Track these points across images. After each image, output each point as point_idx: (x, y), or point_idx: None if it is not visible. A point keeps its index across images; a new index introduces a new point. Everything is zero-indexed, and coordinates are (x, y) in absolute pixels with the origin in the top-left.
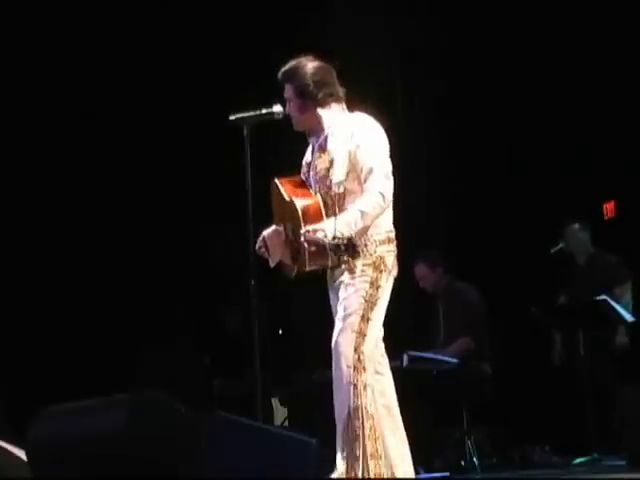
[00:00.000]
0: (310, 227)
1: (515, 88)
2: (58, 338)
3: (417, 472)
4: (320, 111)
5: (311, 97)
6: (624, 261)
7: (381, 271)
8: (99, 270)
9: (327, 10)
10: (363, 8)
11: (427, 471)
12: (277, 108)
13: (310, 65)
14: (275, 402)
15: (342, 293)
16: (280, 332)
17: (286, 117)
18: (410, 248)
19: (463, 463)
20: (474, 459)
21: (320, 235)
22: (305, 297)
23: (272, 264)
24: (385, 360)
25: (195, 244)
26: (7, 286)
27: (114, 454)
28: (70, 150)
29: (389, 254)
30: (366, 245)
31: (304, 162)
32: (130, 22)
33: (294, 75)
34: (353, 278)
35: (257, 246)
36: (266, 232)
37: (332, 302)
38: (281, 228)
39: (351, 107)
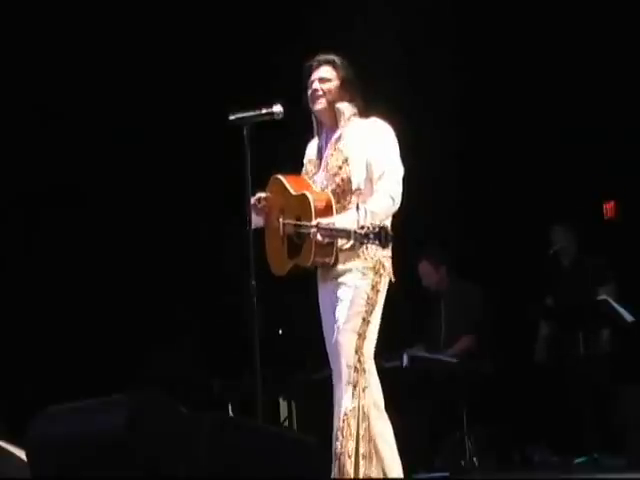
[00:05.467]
0: (322, 220)
1: (517, 89)
2: (58, 338)
3: (417, 472)
4: (344, 107)
5: (346, 91)
6: (609, 263)
7: (381, 275)
8: (99, 270)
9: (327, 10)
10: (365, 9)
11: (427, 471)
12: (277, 108)
13: (351, 69)
14: (281, 402)
15: (343, 294)
16: (280, 332)
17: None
18: (412, 248)
19: (463, 463)
20: (474, 459)
21: (332, 226)
22: (305, 297)
23: (254, 226)
24: (374, 365)
25: (194, 243)
26: (8, 286)
27: (114, 454)
28: (71, 150)
29: (387, 259)
30: (367, 248)
31: (307, 160)
32: (130, 22)
33: (342, 64)
34: (355, 280)
35: (254, 199)
36: (264, 194)
37: (322, 301)
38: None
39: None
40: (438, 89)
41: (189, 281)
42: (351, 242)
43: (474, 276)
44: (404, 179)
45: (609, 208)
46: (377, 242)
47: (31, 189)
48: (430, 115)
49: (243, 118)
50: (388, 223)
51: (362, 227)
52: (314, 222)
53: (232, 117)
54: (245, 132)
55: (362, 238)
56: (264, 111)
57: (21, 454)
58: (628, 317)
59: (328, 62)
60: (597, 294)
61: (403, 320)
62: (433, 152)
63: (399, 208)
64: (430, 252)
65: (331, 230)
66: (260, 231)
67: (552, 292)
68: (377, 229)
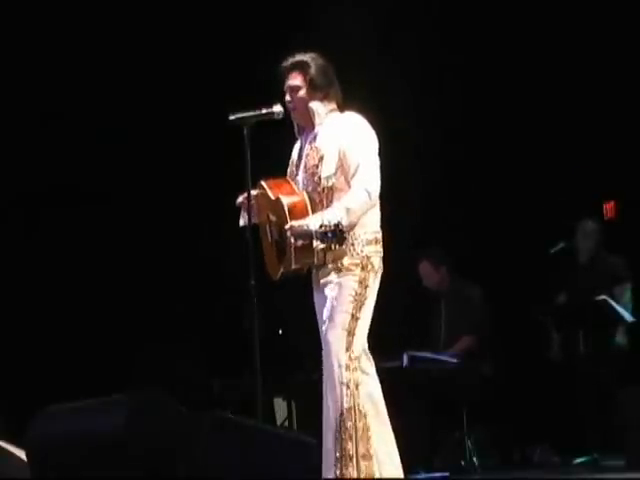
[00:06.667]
0: (295, 222)
1: (516, 86)
2: (58, 338)
3: (417, 472)
4: (316, 106)
5: (317, 90)
6: (626, 262)
7: (368, 271)
8: (99, 270)
9: (327, 10)
10: (364, 9)
11: (427, 471)
12: (277, 108)
13: (321, 61)
14: (277, 402)
15: (330, 292)
16: (280, 332)
17: (287, 116)
18: (410, 247)
19: (463, 463)
20: (474, 459)
21: (304, 228)
22: (305, 297)
23: (242, 223)
24: (371, 360)
25: (195, 243)
26: (8, 286)
27: (114, 454)
28: (71, 150)
29: (376, 254)
30: (353, 244)
31: (291, 161)
32: (131, 23)
33: (306, 65)
34: (341, 277)
35: (240, 199)
36: (253, 192)
37: (317, 303)
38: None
39: (345, 105)
40: (437, 89)
41: (189, 281)
42: (317, 242)
43: (474, 276)
44: (382, 171)
45: (609, 208)
46: (334, 240)
47: (31, 189)
48: (430, 116)
49: (243, 118)
50: (377, 227)
51: (321, 226)
52: (287, 226)
53: (232, 117)
54: (245, 132)
55: (323, 237)
56: (264, 111)
57: (21, 454)
58: (628, 317)
59: (295, 66)
60: (612, 293)
61: (403, 320)
62: (433, 152)
63: (399, 208)
64: (430, 252)
65: (299, 233)
66: (258, 231)
67: (567, 290)
68: (333, 227)
